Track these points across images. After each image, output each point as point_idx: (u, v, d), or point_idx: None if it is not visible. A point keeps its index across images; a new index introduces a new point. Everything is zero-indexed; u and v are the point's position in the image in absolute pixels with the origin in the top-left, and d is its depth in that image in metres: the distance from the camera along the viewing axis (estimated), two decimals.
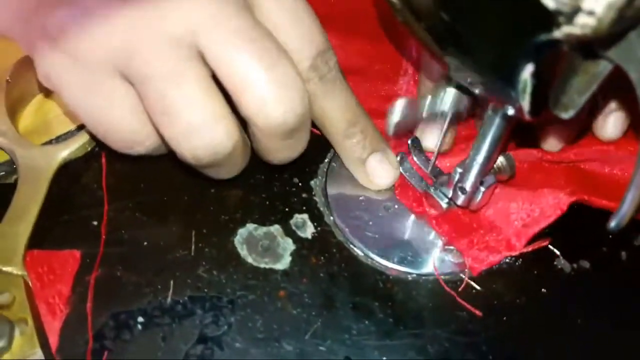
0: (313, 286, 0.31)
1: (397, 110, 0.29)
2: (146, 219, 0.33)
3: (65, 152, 0.35)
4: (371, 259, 0.32)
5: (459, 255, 0.32)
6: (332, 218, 0.34)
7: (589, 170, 0.35)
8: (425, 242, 0.33)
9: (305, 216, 0.34)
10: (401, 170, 0.34)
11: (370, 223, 0.33)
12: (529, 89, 0.20)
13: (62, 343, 0.28)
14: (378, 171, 0.34)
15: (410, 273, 0.32)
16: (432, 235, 0.33)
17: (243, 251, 0.32)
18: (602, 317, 0.31)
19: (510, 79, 0.20)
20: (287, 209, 0.34)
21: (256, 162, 0.33)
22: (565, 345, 0.30)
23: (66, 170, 0.35)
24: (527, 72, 0.20)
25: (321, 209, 0.34)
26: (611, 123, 0.34)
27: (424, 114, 0.32)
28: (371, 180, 0.34)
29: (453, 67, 0.23)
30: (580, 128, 0.35)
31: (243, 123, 0.29)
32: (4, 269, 0.30)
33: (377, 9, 0.42)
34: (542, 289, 0.32)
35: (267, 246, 0.32)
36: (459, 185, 0.31)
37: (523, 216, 0.32)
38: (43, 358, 0.27)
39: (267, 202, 0.34)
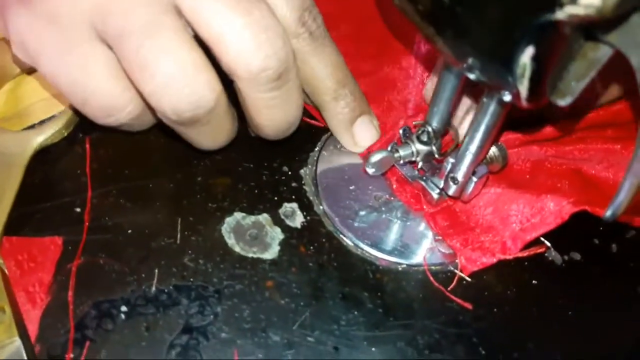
0: (302, 276, 0.30)
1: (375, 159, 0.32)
2: (131, 205, 0.32)
3: (40, 137, 0.34)
4: (361, 249, 0.32)
5: (450, 247, 0.32)
6: (321, 207, 0.33)
7: (593, 175, 0.34)
8: (415, 233, 0.33)
9: (294, 205, 0.33)
10: (392, 160, 0.34)
11: (361, 213, 0.33)
12: (527, 73, 0.20)
13: (42, 332, 0.27)
14: (364, 134, 0.34)
15: (400, 263, 0.31)
16: (423, 226, 0.33)
17: (230, 240, 0.31)
18: (592, 308, 0.31)
19: (509, 63, 0.20)
20: (276, 198, 0.33)
21: (245, 149, 0.33)
22: (556, 336, 0.30)
23: (48, 156, 0.34)
24: (527, 55, 0.19)
25: (311, 198, 0.34)
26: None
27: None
28: (356, 142, 0.34)
29: (450, 52, 0.23)
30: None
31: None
32: None
33: (384, 12, 0.41)
34: (533, 281, 0.32)
35: (255, 235, 0.32)
36: (451, 175, 0.31)
37: (522, 220, 0.32)
38: (22, 347, 0.26)
39: (256, 191, 0.33)
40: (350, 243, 0.32)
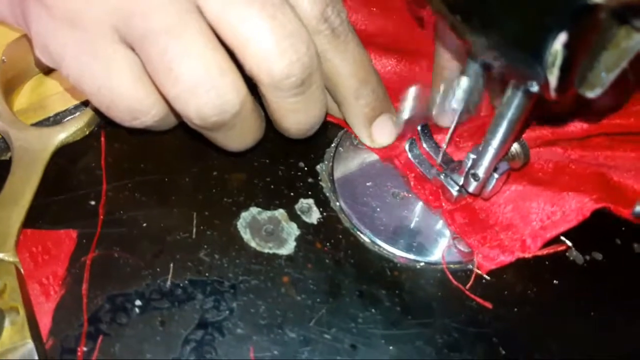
0: (318, 272, 0.30)
1: (410, 99, 0.30)
2: (146, 199, 0.32)
3: (62, 134, 0.33)
4: (378, 246, 0.31)
5: (468, 245, 0.31)
6: (338, 204, 0.33)
7: (619, 182, 0.33)
8: (434, 230, 0.32)
9: (310, 201, 0.33)
10: (410, 156, 0.33)
11: (378, 209, 0.32)
12: (558, 62, 0.19)
13: (56, 325, 0.27)
14: (384, 132, 0.33)
15: (418, 261, 0.31)
16: (441, 223, 0.32)
17: (246, 235, 0.31)
18: (614, 309, 0.30)
19: (540, 50, 0.19)
20: (292, 194, 0.33)
21: (261, 145, 0.32)
22: (577, 337, 0.29)
23: (64, 149, 0.33)
24: (560, 42, 0.19)
25: (327, 194, 0.33)
26: None
27: (434, 110, 0.31)
28: (374, 140, 0.34)
29: (476, 42, 0.22)
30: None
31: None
32: None
33: (412, 29, 0.40)
34: (554, 280, 0.31)
35: (271, 231, 0.31)
36: (472, 171, 0.30)
37: (543, 217, 0.31)
38: (34, 350, 0.26)
39: (272, 186, 0.33)
40: (367, 240, 0.31)
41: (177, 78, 0.25)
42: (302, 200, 0.33)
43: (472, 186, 0.30)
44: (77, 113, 0.35)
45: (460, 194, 0.32)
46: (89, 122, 0.34)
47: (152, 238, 0.30)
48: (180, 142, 0.34)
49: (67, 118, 0.35)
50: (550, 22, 0.18)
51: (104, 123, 0.35)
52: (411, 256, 0.31)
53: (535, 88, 0.22)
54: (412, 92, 0.31)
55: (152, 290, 0.28)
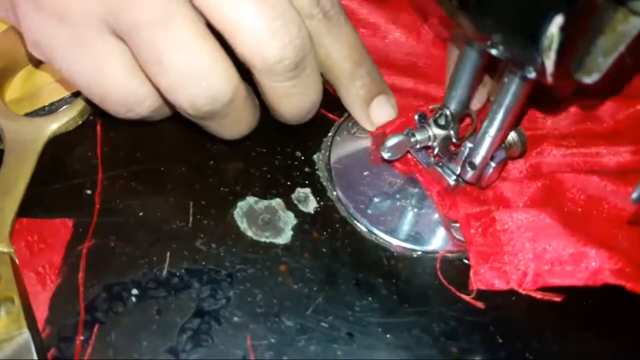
0: (315, 261, 0.30)
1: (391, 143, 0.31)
2: (142, 188, 0.32)
3: (54, 125, 0.33)
4: (375, 235, 0.31)
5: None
6: (335, 193, 0.33)
7: None
8: (430, 219, 0.32)
9: (307, 190, 0.33)
10: (408, 144, 0.33)
11: (375, 199, 0.32)
12: (555, 45, 0.19)
13: (52, 314, 0.27)
14: (381, 113, 0.33)
15: (415, 250, 0.31)
16: (437, 211, 0.32)
17: (243, 224, 0.31)
18: (612, 299, 0.30)
19: (535, 34, 0.19)
20: (289, 183, 0.33)
21: (258, 134, 0.32)
22: (573, 327, 0.29)
23: (60, 138, 0.33)
24: (555, 25, 0.18)
25: (324, 183, 0.33)
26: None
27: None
28: (372, 121, 0.34)
29: (472, 26, 0.22)
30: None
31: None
32: None
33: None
34: None
35: (268, 220, 0.31)
36: (469, 160, 0.30)
37: (554, 261, 0.29)
38: (30, 339, 0.26)
39: (269, 175, 0.33)
40: (364, 229, 0.31)
41: (167, 69, 0.25)
42: (299, 189, 0.33)
43: (469, 174, 0.30)
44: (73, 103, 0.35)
45: (457, 183, 0.31)
46: (81, 112, 0.34)
47: (148, 227, 0.30)
48: (176, 131, 0.34)
49: (63, 108, 0.35)
50: (546, 5, 0.18)
51: (99, 112, 0.34)
52: (408, 245, 0.31)
53: (532, 74, 0.22)
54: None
55: (148, 279, 0.28)
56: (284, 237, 0.31)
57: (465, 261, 0.31)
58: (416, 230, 0.31)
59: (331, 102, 0.34)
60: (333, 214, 0.32)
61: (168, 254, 0.29)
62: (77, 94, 0.35)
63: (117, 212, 0.31)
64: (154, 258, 0.29)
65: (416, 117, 0.33)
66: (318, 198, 0.32)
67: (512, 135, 0.31)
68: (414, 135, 0.32)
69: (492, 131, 0.28)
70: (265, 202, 0.32)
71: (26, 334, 0.26)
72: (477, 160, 0.30)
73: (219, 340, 0.27)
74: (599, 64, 0.21)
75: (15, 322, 0.26)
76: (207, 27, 0.26)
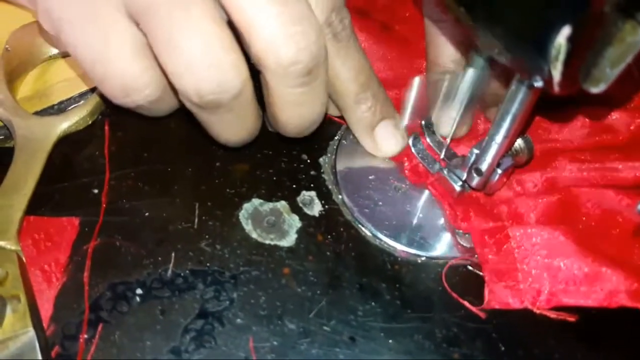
0: (319, 264, 0.30)
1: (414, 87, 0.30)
2: (148, 189, 0.32)
3: (65, 124, 0.33)
4: (379, 239, 0.31)
5: (470, 240, 0.31)
6: (340, 197, 0.33)
7: None
8: (435, 225, 0.32)
9: (312, 193, 0.33)
10: (413, 151, 0.33)
11: (380, 203, 0.32)
12: (562, 56, 0.19)
13: (57, 312, 0.27)
14: (387, 139, 0.33)
15: (419, 256, 0.31)
16: (443, 218, 0.32)
17: (248, 226, 0.31)
18: (615, 309, 0.30)
19: (543, 44, 0.19)
20: (294, 186, 0.33)
21: (263, 137, 0.32)
22: (578, 334, 0.29)
23: (68, 137, 0.34)
24: (563, 35, 0.18)
25: (330, 187, 0.33)
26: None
27: (440, 96, 0.31)
28: (379, 148, 0.33)
29: (482, 36, 0.22)
30: None
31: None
32: None
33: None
34: None
35: (273, 222, 0.31)
36: (475, 166, 0.30)
37: (569, 281, 0.29)
38: (35, 338, 0.26)
39: (274, 178, 0.33)
40: (368, 233, 0.31)
41: (177, 50, 0.24)
42: (304, 192, 0.33)
43: (475, 181, 0.30)
44: (82, 101, 0.35)
45: (463, 189, 0.31)
46: (92, 111, 0.34)
47: (154, 227, 0.30)
48: (183, 132, 0.34)
49: (72, 106, 0.35)
50: (554, 15, 0.18)
51: (107, 112, 0.35)
52: (412, 250, 0.31)
53: (539, 83, 0.22)
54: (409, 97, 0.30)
55: (153, 279, 0.29)
56: (289, 240, 0.31)
57: (470, 268, 0.31)
58: (421, 236, 0.31)
59: None
60: (338, 218, 0.32)
61: (173, 254, 0.29)
62: (86, 93, 0.35)
63: (124, 211, 0.31)
64: (159, 258, 0.29)
65: (422, 123, 0.33)
66: (323, 201, 0.32)
67: (519, 142, 0.31)
68: (419, 141, 0.32)
69: (499, 138, 0.28)
70: (270, 205, 0.32)
71: (31, 333, 0.26)
72: (484, 166, 0.30)
73: (221, 341, 0.27)
74: (607, 75, 0.21)
75: (21, 320, 0.26)
76: (224, 19, 0.25)
